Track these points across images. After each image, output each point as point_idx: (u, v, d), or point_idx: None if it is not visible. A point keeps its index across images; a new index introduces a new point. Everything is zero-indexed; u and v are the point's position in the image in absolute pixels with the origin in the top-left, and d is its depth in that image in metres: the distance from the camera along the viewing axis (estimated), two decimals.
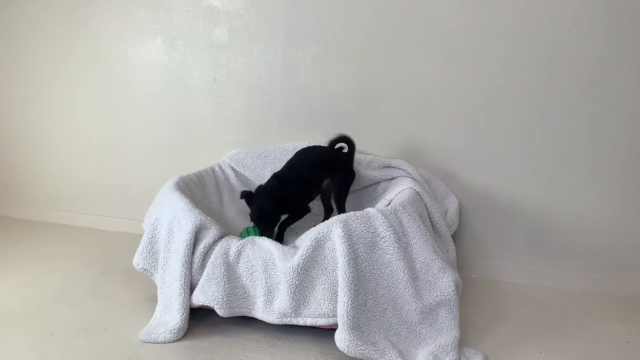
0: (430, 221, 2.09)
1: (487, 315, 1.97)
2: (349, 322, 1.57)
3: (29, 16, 2.75)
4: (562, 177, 2.23)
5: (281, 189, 2.03)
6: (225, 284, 1.71)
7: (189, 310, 1.76)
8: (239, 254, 1.75)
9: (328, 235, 1.68)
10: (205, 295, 1.72)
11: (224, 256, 1.74)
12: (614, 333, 1.87)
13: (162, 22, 2.57)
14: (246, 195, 2.02)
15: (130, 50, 2.66)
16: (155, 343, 1.69)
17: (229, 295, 1.71)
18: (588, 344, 1.79)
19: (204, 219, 1.82)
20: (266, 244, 1.76)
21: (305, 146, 2.26)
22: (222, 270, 1.72)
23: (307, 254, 1.66)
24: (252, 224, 2.08)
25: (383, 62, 2.33)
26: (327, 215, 2.30)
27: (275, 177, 2.09)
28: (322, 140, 2.23)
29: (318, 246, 1.67)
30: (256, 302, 1.72)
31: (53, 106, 2.86)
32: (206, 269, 1.74)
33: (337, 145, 2.23)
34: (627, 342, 1.82)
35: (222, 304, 1.70)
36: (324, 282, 1.66)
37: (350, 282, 1.60)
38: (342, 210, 2.15)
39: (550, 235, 2.28)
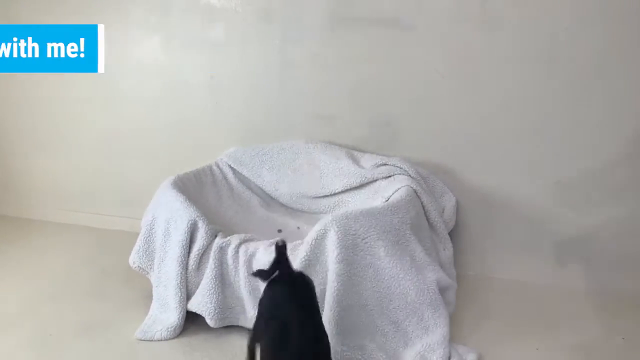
0: (427, 219, 2.09)
1: (483, 312, 1.97)
2: (333, 329, 1.57)
3: (26, 10, 2.72)
4: (559, 174, 2.22)
5: None
6: (219, 296, 1.73)
7: (185, 309, 1.76)
8: (235, 267, 1.74)
9: (323, 236, 1.68)
10: (199, 305, 1.74)
11: (220, 269, 1.75)
12: (610, 329, 1.87)
13: (159, 20, 2.56)
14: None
15: (128, 48, 2.65)
16: (152, 341, 1.70)
17: (221, 309, 1.73)
18: (584, 340, 1.79)
19: (197, 218, 1.82)
20: (260, 257, 1.73)
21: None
22: (218, 283, 1.74)
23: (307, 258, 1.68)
24: None
25: (382, 61, 2.32)
26: None
27: None
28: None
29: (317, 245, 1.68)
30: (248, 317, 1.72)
31: (49, 104, 2.84)
32: (203, 280, 1.75)
33: None
34: (623, 338, 1.82)
35: (213, 315, 1.72)
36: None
37: (334, 289, 1.60)
38: None
39: (547, 232, 2.28)
